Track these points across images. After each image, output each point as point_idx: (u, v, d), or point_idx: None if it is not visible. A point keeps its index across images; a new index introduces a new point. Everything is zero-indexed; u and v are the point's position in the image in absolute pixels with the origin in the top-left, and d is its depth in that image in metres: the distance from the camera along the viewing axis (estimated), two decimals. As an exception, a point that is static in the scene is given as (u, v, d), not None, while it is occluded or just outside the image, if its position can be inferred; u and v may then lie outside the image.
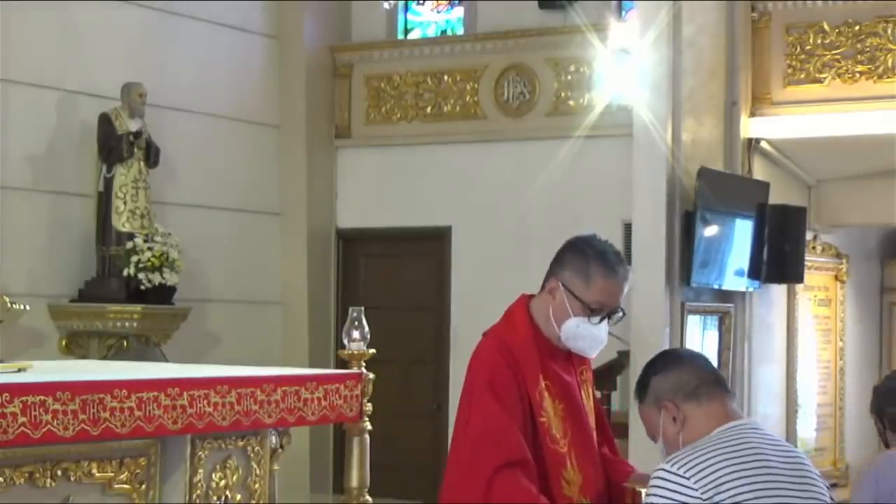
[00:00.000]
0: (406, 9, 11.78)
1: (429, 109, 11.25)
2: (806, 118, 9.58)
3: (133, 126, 9.54)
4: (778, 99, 9.72)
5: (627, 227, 9.42)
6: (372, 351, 5.23)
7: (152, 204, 9.68)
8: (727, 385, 3.52)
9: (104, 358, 9.09)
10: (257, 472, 4.69)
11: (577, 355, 4.10)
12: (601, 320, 3.95)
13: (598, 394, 4.22)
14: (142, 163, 9.57)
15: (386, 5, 11.08)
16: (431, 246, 11.20)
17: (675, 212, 9.00)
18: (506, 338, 3.98)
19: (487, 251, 10.80)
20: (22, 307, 4.77)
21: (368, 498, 5.33)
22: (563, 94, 10.71)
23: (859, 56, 9.43)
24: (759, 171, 9.89)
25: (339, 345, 5.33)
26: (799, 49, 9.65)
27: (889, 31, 9.34)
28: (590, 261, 3.96)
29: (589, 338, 3.97)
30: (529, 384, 3.91)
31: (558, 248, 4.10)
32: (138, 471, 4.27)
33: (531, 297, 4.11)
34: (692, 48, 9.22)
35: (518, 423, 3.84)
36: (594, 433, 4.12)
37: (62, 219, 9.54)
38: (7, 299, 4.72)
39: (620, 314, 4.01)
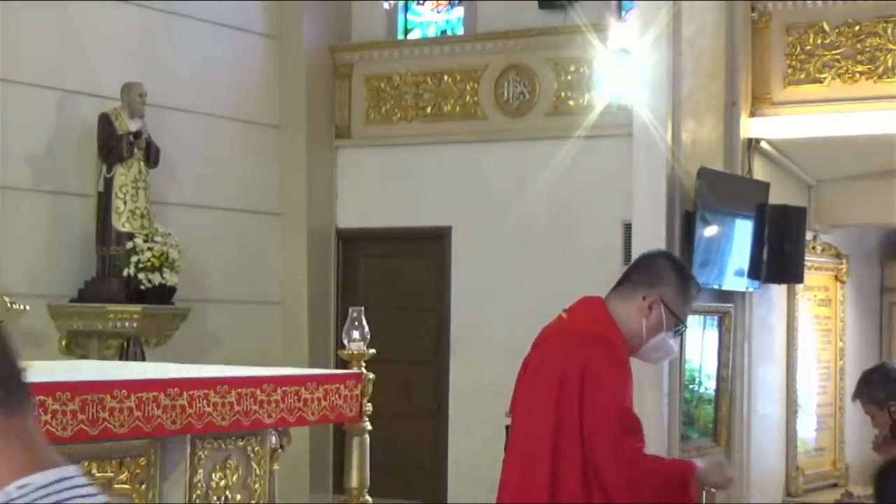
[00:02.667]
0: (406, 9, 11.78)
1: (429, 109, 11.25)
2: (806, 118, 9.58)
3: (133, 126, 9.54)
4: (778, 99, 9.71)
5: (627, 227, 9.42)
6: (372, 351, 5.23)
7: (152, 204, 9.68)
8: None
9: (104, 358, 9.09)
10: (257, 472, 4.69)
11: None
12: (678, 335, 4.19)
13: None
14: (142, 163, 9.57)
15: (386, 5, 11.07)
16: (431, 246, 11.20)
17: (675, 212, 9.00)
18: (607, 335, 4.06)
19: (487, 251, 10.80)
20: (22, 307, 4.78)
21: (368, 498, 5.33)
22: (563, 94, 10.71)
23: (859, 56, 9.42)
24: (759, 171, 9.88)
25: (339, 345, 5.33)
26: (799, 49, 9.64)
27: (889, 31, 9.34)
28: (688, 281, 4.19)
29: (667, 350, 4.22)
30: (630, 381, 4.07)
31: (641, 261, 4.27)
32: (138, 471, 4.27)
33: (601, 299, 4.18)
34: (692, 48, 9.22)
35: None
36: None
37: (62, 219, 9.54)
38: (7, 299, 4.73)
39: (685, 327, 4.26)
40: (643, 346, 4.07)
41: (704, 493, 4.06)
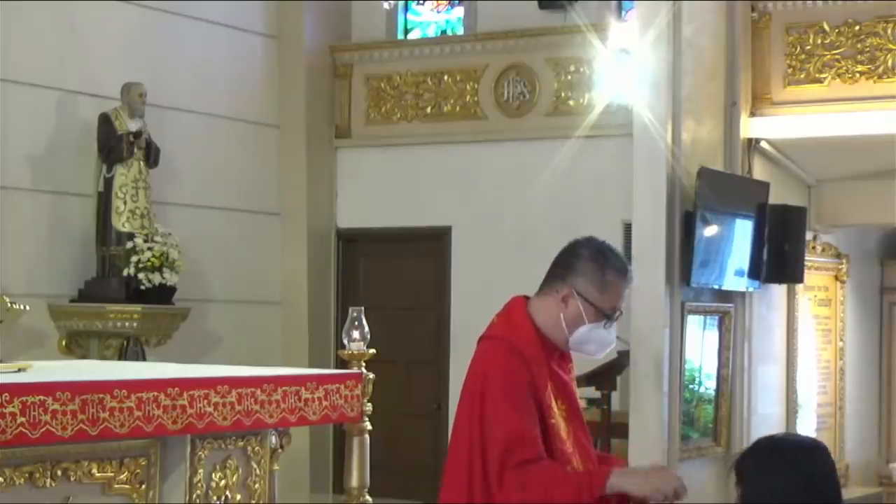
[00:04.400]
0: (406, 9, 11.78)
1: (429, 109, 11.25)
2: (806, 118, 9.58)
3: (133, 126, 9.54)
4: (778, 99, 9.71)
5: (627, 227, 9.42)
6: (372, 351, 5.23)
7: (152, 204, 9.68)
8: None
9: (104, 358, 9.10)
10: (257, 472, 4.69)
11: (566, 354, 4.08)
12: (610, 324, 3.95)
13: (599, 394, 4.27)
14: (142, 163, 9.57)
15: (386, 5, 11.08)
16: (431, 246, 11.20)
17: (675, 212, 9.00)
18: (513, 340, 3.94)
19: (487, 251, 10.80)
20: (22, 307, 4.77)
21: (368, 498, 5.33)
22: (563, 94, 10.71)
23: (859, 56, 9.42)
24: (759, 171, 9.88)
25: (339, 345, 5.33)
26: (799, 49, 9.64)
27: (889, 31, 9.34)
28: (605, 268, 3.93)
29: (599, 342, 3.97)
30: (540, 387, 3.89)
31: (561, 252, 4.04)
32: (138, 471, 4.27)
33: (526, 298, 4.07)
34: (692, 48, 9.22)
35: (535, 425, 3.84)
36: (587, 430, 4.13)
37: (62, 219, 9.54)
38: (7, 299, 4.73)
39: (619, 314, 3.99)
40: (569, 341, 3.95)
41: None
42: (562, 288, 3.94)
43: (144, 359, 9.33)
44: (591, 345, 3.96)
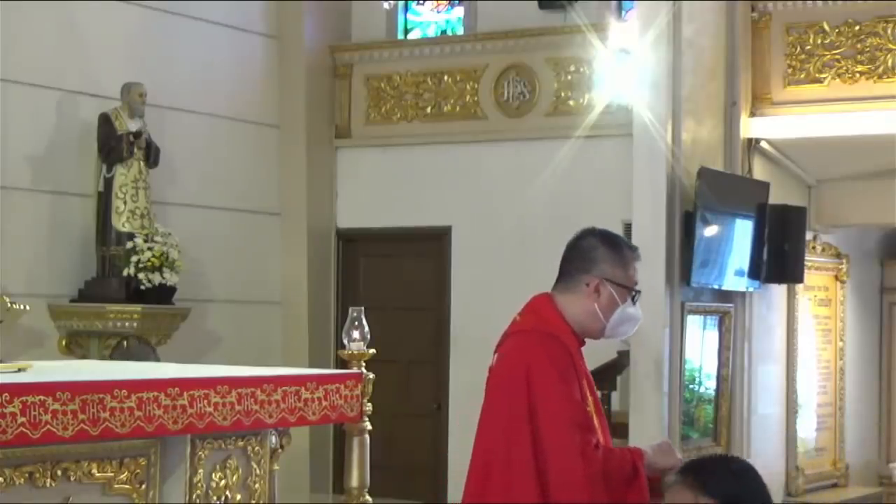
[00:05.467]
0: (406, 9, 11.78)
1: (429, 109, 11.25)
2: (806, 118, 9.58)
3: (133, 126, 9.54)
4: (778, 99, 9.72)
5: (627, 227, 9.41)
6: (372, 351, 5.23)
7: (152, 204, 9.68)
8: None
9: (104, 358, 9.09)
10: (257, 472, 4.69)
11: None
12: (637, 299, 4.11)
13: (599, 393, 4.28)
14: (142, 163, 9.57)
15: (386, 5, 11.07)
16: (431, 246, 11.20)
17: (675, 212, 9.00)
18: (550, 330, 4.04)
19: (487, 251, 10.80)
20: (22, 307, 4.77)
21: (368, 498, 5.33)
22: (563, 94, 10.71)
23: (859, 56, 9.43)
24: (759, 171, 9.89)
25: (339, 345, 5.32)
26: (799, 49, 9.65)
27: (889, 31, 9.34)
28: (621, 247, 4.12)
29: (632, 320, 4.11)
30: (580, 373, 4.04)
31: (570, 249, 4.16)
32: (138, 471, 4.27)
33: (549, 295, 4.14)
34: (692, 48, 9.22)
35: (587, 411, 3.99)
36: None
37: (62, 219, 9.54)
38: (7, 299, 4.72)
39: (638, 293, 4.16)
40: (607, 328, 4.07)
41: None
42: (590, 280, 4.06)
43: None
44: (626, 325, 4.10)
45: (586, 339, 4.16)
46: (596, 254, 4.08)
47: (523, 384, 3.94)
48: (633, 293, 4.07)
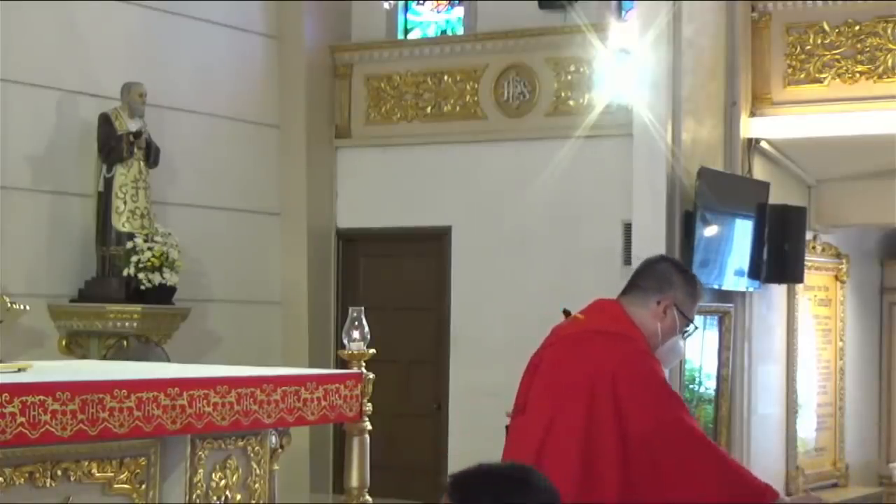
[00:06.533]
0: (406, 9, 11.78)
1: (429, 109, 11.25)
2: (806, 118, 9.58)
3: (133, 126, 9.54)
4: (778, 99, 9.72)
5: (627, 227, 9.42)
6: (372, 351, 5.23)
7: (152, 204, 9.68)
8: None
9: (104, 358, 9.09)
10: (257, 472, 4.69)
11: None
12: (688, 335, 4.27)
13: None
14: (142, 163, 9.57)
15: (386, 5, 11.07)
16: (431, 246, 11.19)
17: (675, 212, 9.00)
18: (632, 336, 4.14)
19: (487, 251, 10.79)
20: (22, 307, 4.77)
21: (368, 498, 5.33)
22: (563, 94, 10.71)
23: (859, 56, 9.42)
24: (759, 171, 9.89)
25: (339, 345, 5.33)
26: (799, 49, 9.64)
27: (889, 31, 9.34)
28: (695, 283, 4.28)
29: (679, 352, 4.29)
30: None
31: (646, 269, 4.30)
32: (138, 471, 4.27)
33: (618, 302, 4.23)
34: (692, 48, 9.22)
35: None
36: None
37: (62, 219, 9.53)
38: (7, 299, 4.72)
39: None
40: (658, 350, 4.15)
41: None
42: (663, 299, 4.18)
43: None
44: (672, 354, 4.25)
45: None
46: (674, 279, 4.23)
47: (609, 380, 3.96)
48: (688, 328, 4.22)
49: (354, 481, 5.25)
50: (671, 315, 4.16)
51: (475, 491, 2.62)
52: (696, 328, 4.26)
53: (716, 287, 9.39)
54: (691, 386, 9.38)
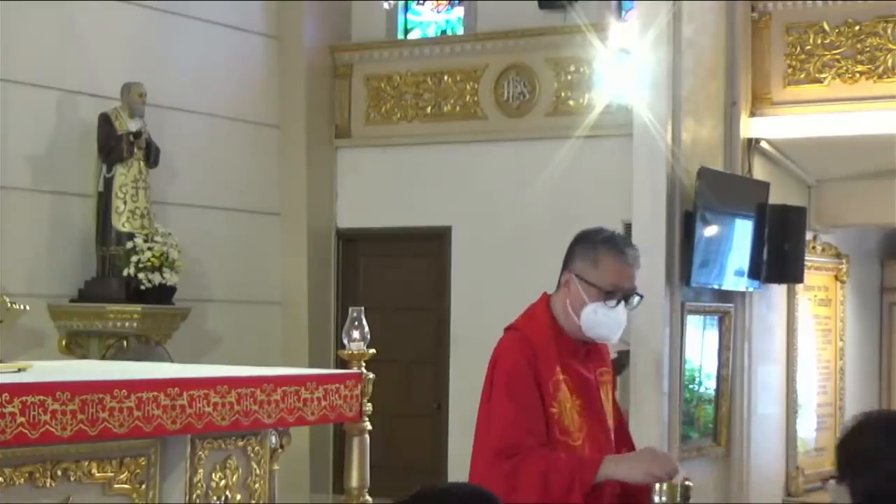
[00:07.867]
0: (406, 9, 11.78)
1: (429, 109, 11.25)
2: (806, 118, 9.58)
3: (133, 126, 9.54)
4: (778, 99, 9.72)
5: (627, 227, 9.41)
6: (372, 351, 5.23)
7: (152, 204, 9.68)
8: None
9: (104, 358, 9.09)
10: (257, 472, 4.69)
11: (596, 357, 4.20)
12: (618, 303, 4.05)
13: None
14: (142, 163, 9.57)
15: (386, 5, 11.07)
16: (431, 246, 11.20)
17: (675, 212, 9.00)
18: (525, 330, 4.10)
19: (487, 251, 10.80)
20: (22, 307, 4.77)
21: (368, 498, 5.33)
22: (563, 94, 10.71)
23: (859, 56, 9.42)
24: (759, 171, 9.89)
25: (339, 345, 5.32)
26: (799, 49, 9.64)
27: (889, 31, 9.34)
28: (597, 246, 4.08)
29: (608, 322, 4.05)
30: (544, 374, 4.02)
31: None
32: (138, 471, 4.27)
33: (546, 294, 4.21)
34: (692, 48, 9.22)
35: (536, 413, 3.98)
36: (612, 433, 4.19)
37: (62, 219, 9.54)
38: (7, 299, 4.72)
39: (638, 298, 4.11)
40: (582, 327, 4.05)
41: (660, 486, 3.85)
42: (564, 275, 4.11)
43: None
44: (603, 327, 4.05)
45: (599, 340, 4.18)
46: (574, 249, 4.13)
47: (489, 380, 4.10)
48: (609, 295, 4.02)
49: (354, 481, 5.25)
50: (574, 287, 4.05)
51: None
52: (641, 297, 4.07)
53: (716, 287, 9.39)
54: (691, 386, 9.38)
